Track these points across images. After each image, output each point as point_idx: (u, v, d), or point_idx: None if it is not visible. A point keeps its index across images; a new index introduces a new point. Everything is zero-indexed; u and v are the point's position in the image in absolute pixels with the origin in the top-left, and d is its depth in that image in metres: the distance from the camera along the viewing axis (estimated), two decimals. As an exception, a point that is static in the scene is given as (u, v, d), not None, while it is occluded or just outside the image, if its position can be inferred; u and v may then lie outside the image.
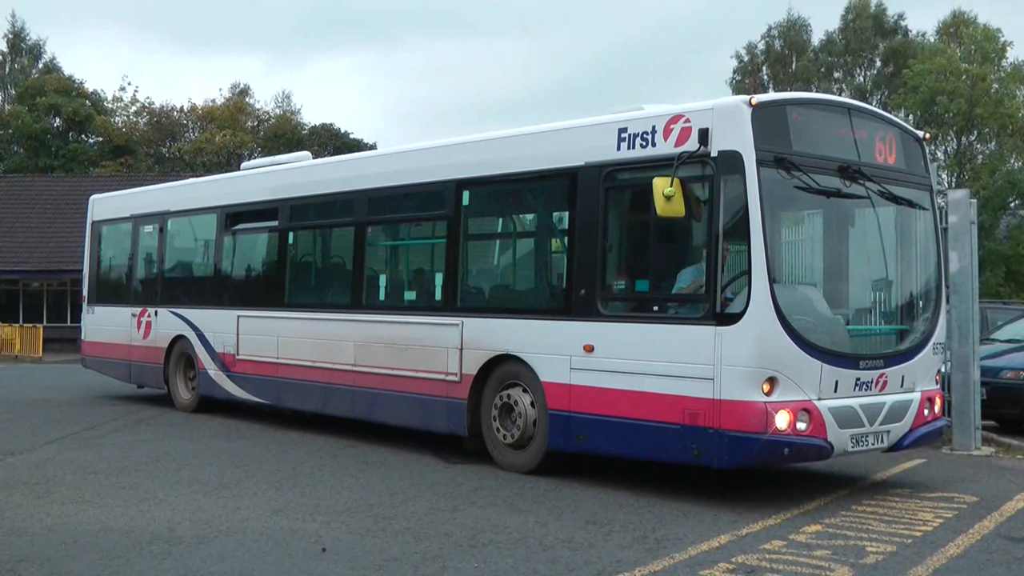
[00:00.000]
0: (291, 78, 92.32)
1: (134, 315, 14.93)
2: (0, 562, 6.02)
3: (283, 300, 12.38)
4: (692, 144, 7.84)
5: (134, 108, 54.93)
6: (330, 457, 10.16)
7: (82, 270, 16.97)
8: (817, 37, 50.00)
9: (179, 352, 14.02)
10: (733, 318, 7.55)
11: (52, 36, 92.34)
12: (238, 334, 12.78)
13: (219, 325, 13.17)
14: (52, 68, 55.90)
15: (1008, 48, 40.89)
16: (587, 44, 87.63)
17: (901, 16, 49.18)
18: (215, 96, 61.72)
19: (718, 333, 7.59)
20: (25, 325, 31.56)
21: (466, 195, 9.96)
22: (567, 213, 9.05)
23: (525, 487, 8.56)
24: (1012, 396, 12.25)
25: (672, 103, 8.50)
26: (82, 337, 16.58)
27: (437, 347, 9.92)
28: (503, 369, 9.33)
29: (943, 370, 9.26)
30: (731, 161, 7.64)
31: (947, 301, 9.37)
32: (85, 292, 16.55)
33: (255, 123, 56.43)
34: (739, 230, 7.60)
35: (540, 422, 8.99)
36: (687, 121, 7.96)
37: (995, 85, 39.41)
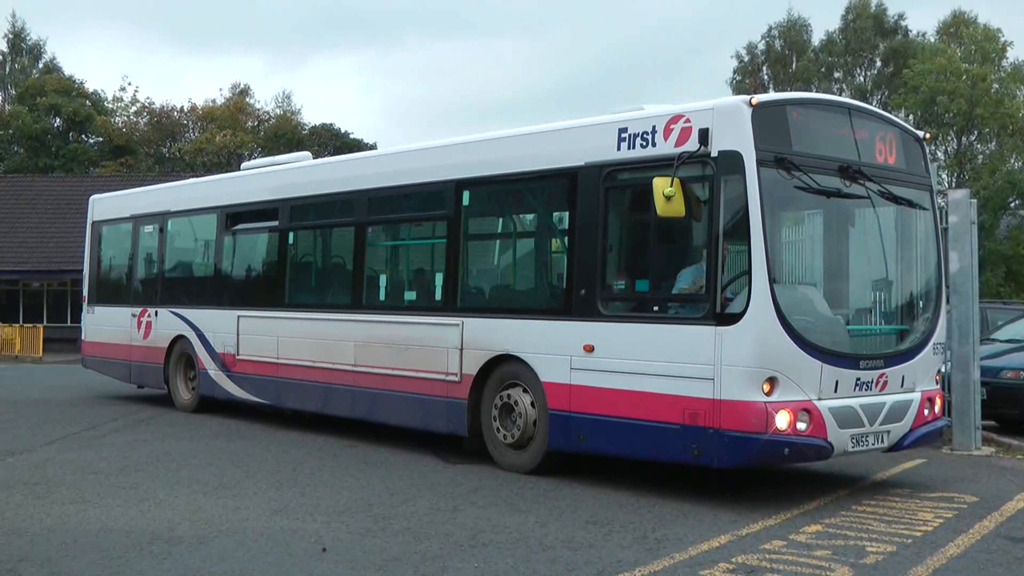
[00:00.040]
0: (291, 78, 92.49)
1: (134, 315, 14.93)
2: (0, 562, 6.02)
3: (283, 300, 12.38)
4: (692, 144, 7.84)
5: (134, 108, 55.03)
6: (330, 457, 10.16)
7: (82, 270, 16.97)
8: (817, 37, 50.12)
9: (179, 352, 14.03)
10: (733, 318, 7.55)
11: (52, 36, 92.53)
12: (238, 334, 12.78)
13: (219, 325, 13.17)
14: (52, 68, 55.94)
15: (1008, 48, 40.99)
16: (587, 44, 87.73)
17: (901, 16, 49.27)
18: (215, 96, 61.88)
19: (718, 333, 7.59)
20: (25, 325, 31.57)
21: (466, 195, 9.96)
22: (567, 213, 9.05)
23: (525, 487, 8.56)
24: (1012, 396, 12.25)
25: (672, 103, 8.50)
26: (82, 337, 16.58)
27: (437, 347, 9.92)
28: (503, 369, 9.33)
29: (943, 370, 9.25)
30: (731, 161, 7.64)
31: (947, 301, 9.37)
32: (85, 292, 16.55)
33: (255, 123, 56.45)
34: (739, 230, 7.60)
35: (540, 422, 8.99)
36: (687, 121, 7.96)
37: (995, 85, 39.43)
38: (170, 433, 11.88)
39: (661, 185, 7.67)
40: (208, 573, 5.87)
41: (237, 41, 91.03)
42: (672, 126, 8.07)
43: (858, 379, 7.95)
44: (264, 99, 77.30)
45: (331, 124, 54.80)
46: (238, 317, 12.83)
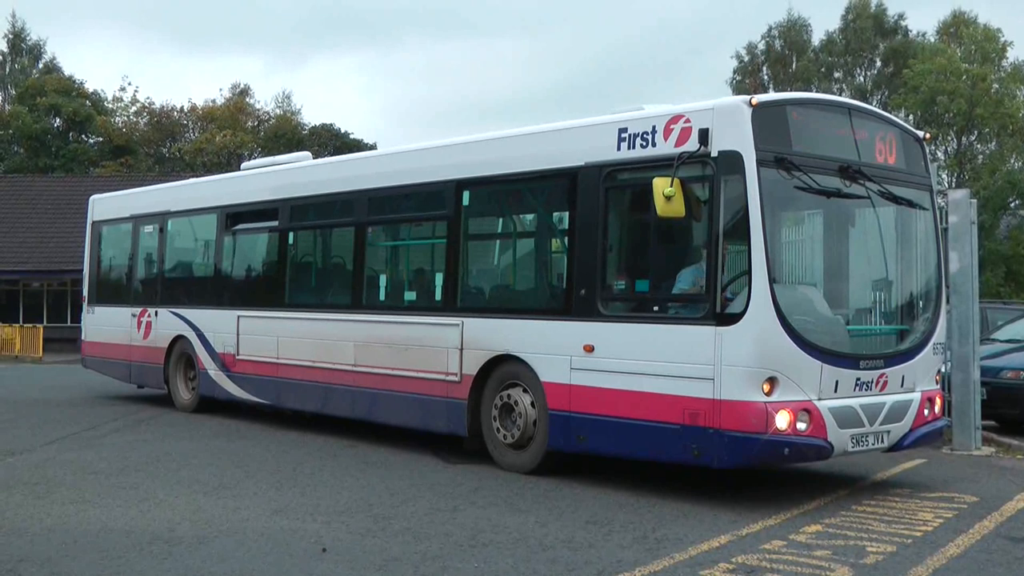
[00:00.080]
0: (291, 78, 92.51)
1: (134, 315, 14.94)
2: (0, 562, 6.02)
3: (283, 300, 12.38)
4: (692, 144, 7.84)
5: (134, 108, 55.03)
6: (330, 457, 10.16)
7: (82, 270, 16.97)
8: (817, 37, 50.12)
9: (179, 352, 14.03)
10: (733, 318, 7.55)
11: (52, 36, 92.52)
12: (238, 334, 12.78)
13: (219, 325, 13.17)
14: (52, 68, 55.94)
15: (1008, 48, 41.00)
16: (587, 44, 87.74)
17: (901, 16, 49.27)
18: (215, 96, 61.91)
19: (718, 333, 7.59)
20: (25, 325, 31.57)
21: (466, 195, 9.96)
22: (567, 213, 9.05)
23: (525, 487, 8.56)
24: (1012, 396, 12.25)
25: (672, 103, 8.50)
26: (82, 337, 16.58)
27: (437, 347, 9.92)
28: (503, 369, 9.33)
29: (943, 370, 9.25)
30: (731, 161, 7.64)
31: (947, 301, 9.37)
32: (85, 292, 16.55)
33: (255, 123, 56.46)
34: (739, 230, 7.60)
35: (540, 422, 8.99)
36: (687, 121, 7.96)
37: (995, 85, 39.44)
38: (170, 433, 11.88)
39: (661, 185, 7.67)
40: (208, 573, 5.87)
41: (237, 41, 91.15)
42: (672, 126, 8.07)
43: (858, 379, 7.95)
44: (264, 99, 77.40)
45: (331, 124, 54.86)
46: (238, 317, 12.83)
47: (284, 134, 51.94)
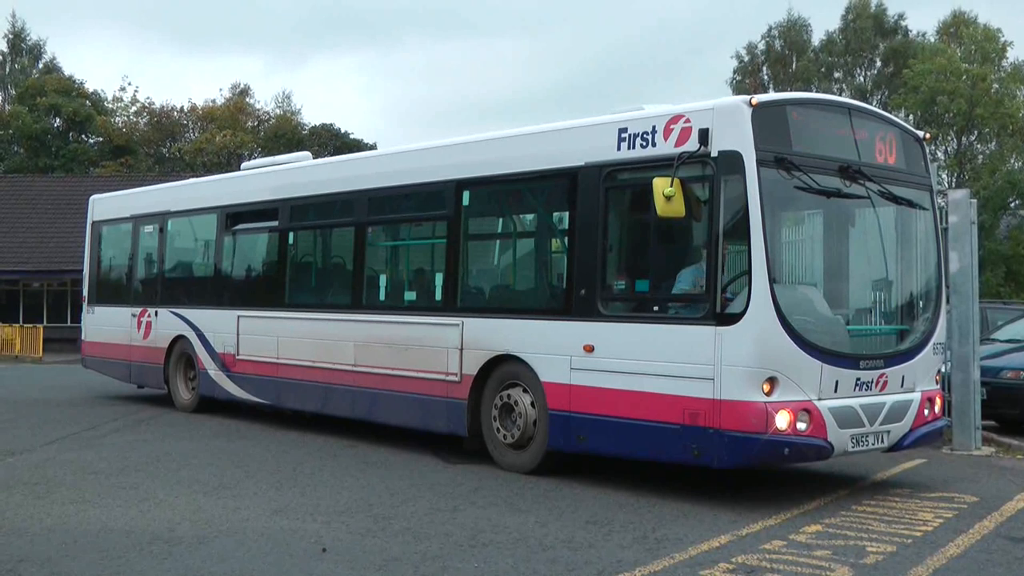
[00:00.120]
0: (291, 78, 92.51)
1: (134, 315, 14.93)
2: (0, 562, 6.02)
3: (283, 300, 12.38)
4: (692, 144, 7.84)
5: (134, 108, 55.03)
6: (330, 457, 10.16)
7: (82, 270, 16.97)
8: (817, 37, 50.13)
9: (179, 352, 14.03)
10: (733, 318, 7.55)
11: (52, 36, 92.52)
12: (238, 334, 12.78)
13: (219, 325, 13.17)
14: (52, 68, 55.94)
15: (1008, 48, 41.00)
16: (587, 44, 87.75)
17: (901, 16, 49.27)
18: (215, 96, 61.91)
19: (718, 333, 7.59)
20: (25, 325, 31.57)
21: (466, 195, 9.96)
22: (567, 213, 9.05)
23: (525, 487, 8.56)
24: (1012, 396, 12.25)
25: (672, 103, 8.50)
26: (82, 337, 16.58)
27: (437, 347, 9.92)
28: (503, 369, 9.33)
29: (943, 370, 9.25)
30: (731, 161, 7.64)
31: (947, 301, 9.37)
32: (85, 292, 16.55)
33: (255, 123, 56.46)
34: (739, 230, 7.60)
35: (540, 422, 8.99)
36: (687, 121, 7.96)
37: (995, 85, 39.44)
38: (170, 433, 11.88)
39: (661, 185, 7.67)
40: (208, 573, 5.87)
41: (237, 41, 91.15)
42: (672, 126, 8.07)
43: (858, 379, 7.95)
44: (264, 99, 77.38)
45: (331, 124, 54.87)
46: (238, 317, 12.83)
47: (284, 134, 51.95)
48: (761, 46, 50.47)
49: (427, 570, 5.96)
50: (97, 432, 11.96)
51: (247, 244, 13.44)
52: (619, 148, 8.45)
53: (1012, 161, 41.43)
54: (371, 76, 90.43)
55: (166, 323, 14.23)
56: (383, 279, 11.31)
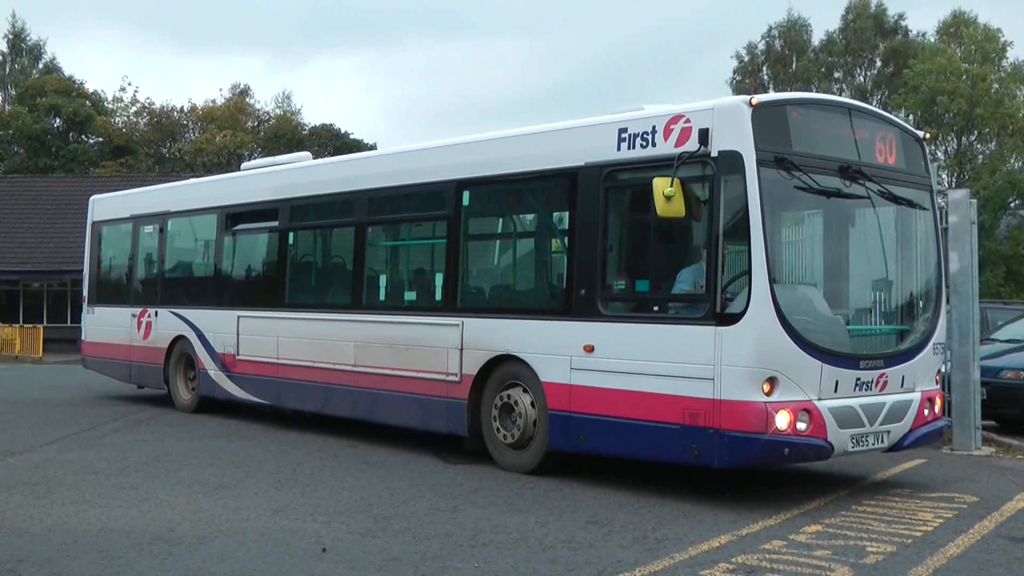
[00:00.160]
0: (291, 78, 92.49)
1: (134, 315, 14.94)
2: (0, 562, 6.02)
3: (283, 300, 12.38)
4: (692, 144, 7.84)
5: (134, 108, 55.03)
6: (330, 457, 10.16)
7: (82, 270, 16.97)
8: (817, 37, 50.12)
9: (179, 352, 14.03)
10: (733, 318, 7.55)
11: (52, 36, 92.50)
12: (238, 334, 12.78)
13: (219, 325, 13.17)
14: (52, 68, 55.93)
15: (1008, 48, 40.98)
16: (587, 44, 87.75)
17: (901, 16, 49.27)
18: (215, 96, 61.95)
19: (718, 333, 7.59)
20: (25, 325, 31.57)
21: (466, 195, 9.96)
22: (567, 213, 9.04)
23: (525, 487, 8.56)
24: (1012, 396, 12.25)
25: (672, 103, 8.50)
26: (82, 337, 16.58)
27: (437, 347, 9.92)
28: (503, 369, 9.33)
29: (943, 370, 9.26)
30: (731, 161, 7.64)
31: (947, 301, 9.37)
32: (85, 292, 16.55)
33: (255, 123, 56.46)
34: (739, 230, 7.60)
35: (540, 422, 8.99)
36: (687, 121, 7.96)
37: (995, 85, 39.43)
38: (170, 433, 11.88)
39: (661, 185, 7.68)
40: (208, 573, 5.87)
41: (237, 41, 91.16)
42: (672, 126, 8.07)
43: (858, 379, 7.95)
44: (264, 99, 77.45)
45: (331, 124, 54.85)
46: (238, 317, 12.83)
47: (284, 134, 51.95)
48: (761, 46, 50.51)
49: (427, 570, 5.96)
50: (97, 432, 11.96)
51: (247, 244, 13.44)
52: (619, 148, 8.45)
53: (1012, 161, 41.43)
54: (371, 76, 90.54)
55: (166, 323, 14.23)
56: (383, 279, 11.31)
